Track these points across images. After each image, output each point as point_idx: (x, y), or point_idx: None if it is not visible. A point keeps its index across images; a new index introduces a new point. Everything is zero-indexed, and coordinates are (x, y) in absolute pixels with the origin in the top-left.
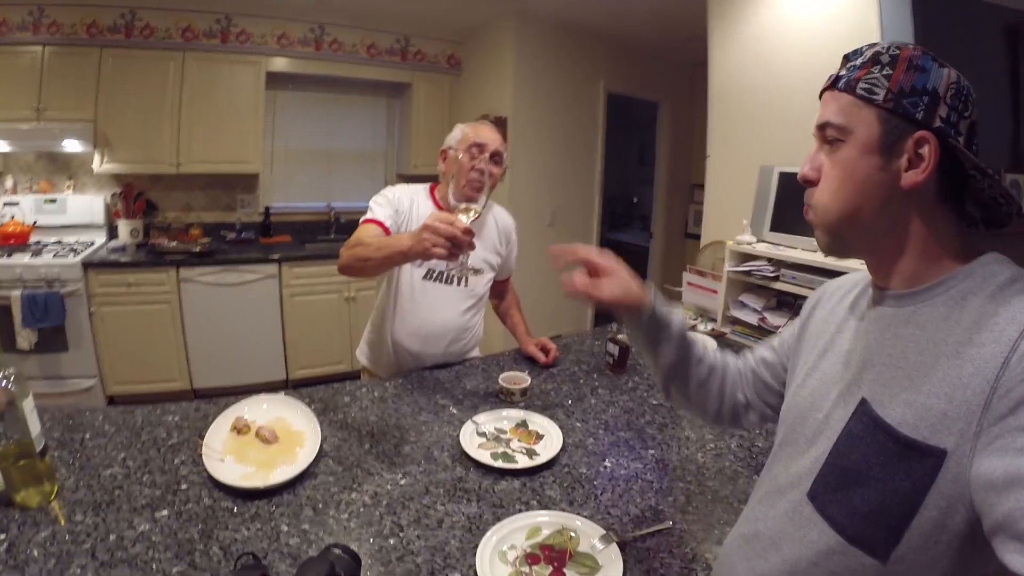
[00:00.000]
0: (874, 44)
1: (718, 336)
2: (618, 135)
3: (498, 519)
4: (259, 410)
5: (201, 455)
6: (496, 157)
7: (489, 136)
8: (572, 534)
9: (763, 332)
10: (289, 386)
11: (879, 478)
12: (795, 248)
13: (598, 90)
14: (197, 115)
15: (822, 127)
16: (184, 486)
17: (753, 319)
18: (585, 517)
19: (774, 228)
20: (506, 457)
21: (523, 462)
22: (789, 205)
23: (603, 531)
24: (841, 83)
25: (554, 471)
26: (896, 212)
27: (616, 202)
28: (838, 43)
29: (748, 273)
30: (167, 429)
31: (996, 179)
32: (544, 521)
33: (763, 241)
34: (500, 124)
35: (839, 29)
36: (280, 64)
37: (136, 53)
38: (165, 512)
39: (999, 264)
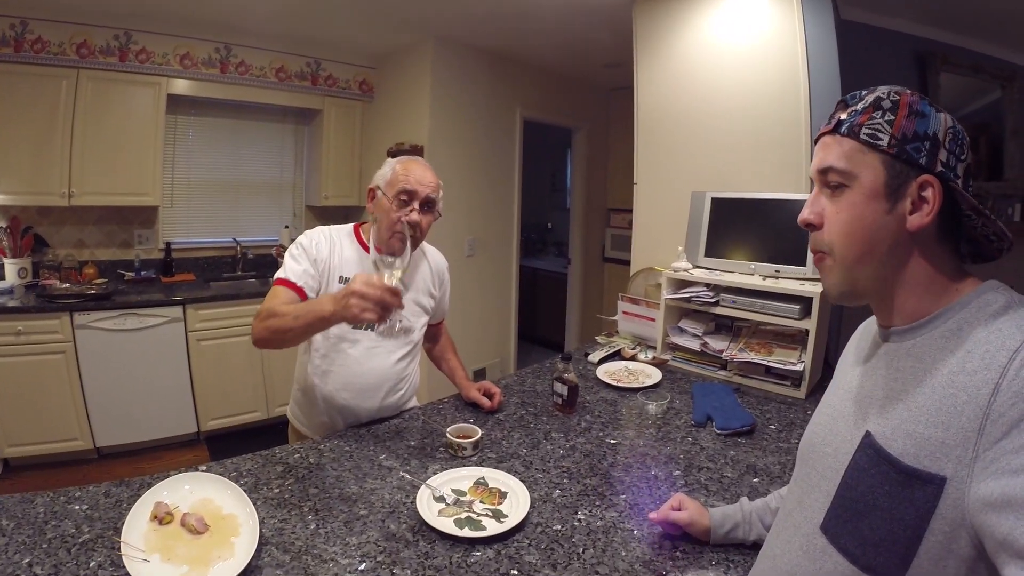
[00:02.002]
0: (874, 89)
1: (660, 364)
2: (530, 161)
3: None
4: (181, 492)
5: (121, 555)
6: (428, 205)
7: (421, 181)
8: None
9: (705, 357)
10: (201, 439)
11: (885, 507)
12: (731, 272)
13: (515, 117)
14: (91, 141)
15: (824, 171)
16: None
17: (694, 344)
18: None
19: (708, 253)
20: (472, 523)
21: (492, 527)
22: (723, 230)
23: None
24: (843, 128)
25: (527, 532)
26: (901, 253)
27: (530, 229)
28: (765, 70)
29: (687, 300)
30: (75, 522)
31: (992, 218)
32: None
33: (699, 266)
34: (417, 152)
35: (766, 56)
36: (182, 86)
37: (25, 69)
38: None
39: (995, 292)
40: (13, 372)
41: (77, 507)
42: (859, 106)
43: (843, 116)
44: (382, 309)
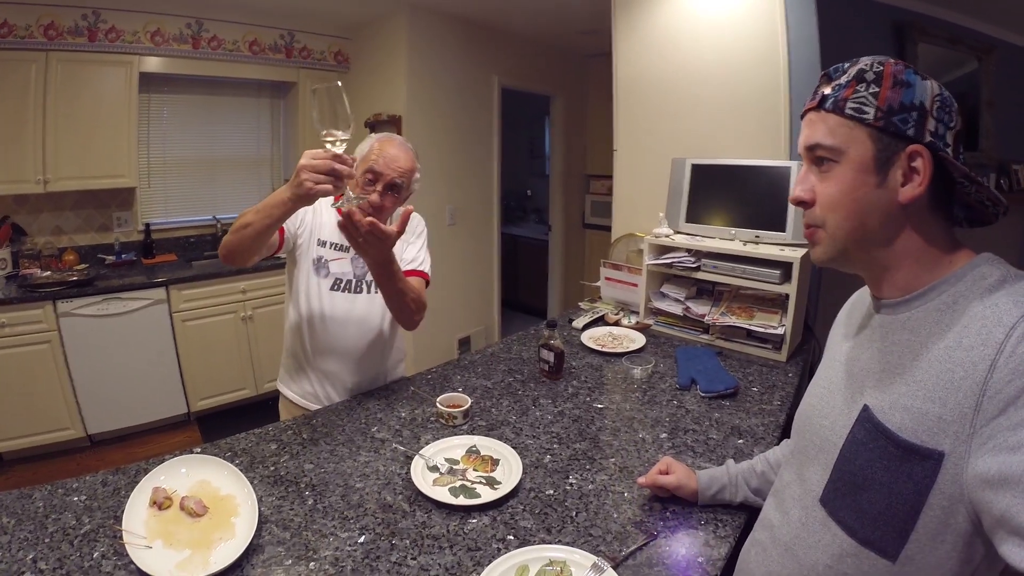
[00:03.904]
0: (856, 61)
1: (643, 328)
2: (508, 129)
3: (478, 564)
4: (177, 476)
5: (124, 544)
6: (393, 189)
7: (390, 164)
8: (561, 567)
9: (688, 321)
10: (192, 419)
11: (883, 481)
12: (712, 238)
13: (492, 85)
14: (64, 124)
15: (811, 148)
16: None
17: (677, 309)
18: (567, 544)
19: (689, 219)
20: (466, 491)
21: (486, 494)
22: (703, 197)
23: (591, 556)
24: (828, 103)
25: (521, 498)
26: (894, 225)
27: (510, 196)
28: (744, 37)
29: (669, 265)
30: (75, 514)
31: (984, 184)
32: (530, 558)
33: (680, 232)
34: (394, 123)
35: (745, 23)
36: (154, 64)
37: None
38: None
39: (989, 265)
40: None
41: (75, 498)
42: (842, 79)
43: (827, 91)
44: (335, 179)
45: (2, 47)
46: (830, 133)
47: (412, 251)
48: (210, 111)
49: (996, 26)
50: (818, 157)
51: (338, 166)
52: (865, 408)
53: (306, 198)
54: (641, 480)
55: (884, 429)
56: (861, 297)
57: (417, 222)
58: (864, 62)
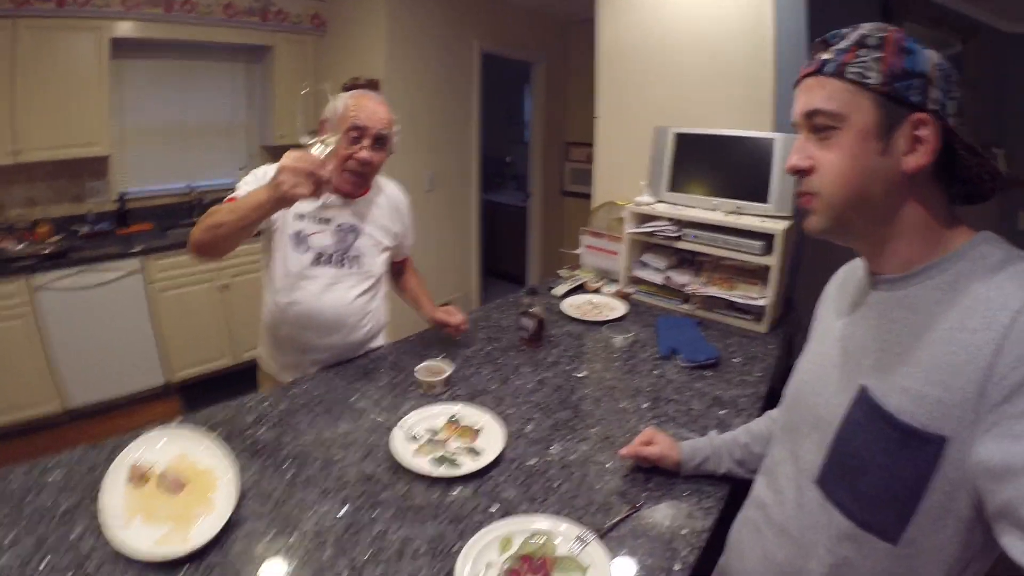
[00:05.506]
0: (857, 26)
1: (624, 296)
2: (487, 96)
3: (461, 535)
4: (155, 450)
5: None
6: (380, 142)
7: (372, 116)
8: (545, 538)
9: (668, 291)
10: (172, 389)
11: (883, 464)
12: (694, 207)
13: (473, 50)
14: (35, 94)
15: (810, 114)
16: (91, 566)
17: (658, 278)
18: (552, 515)
19: (671, 188)
20: (448, 462)
21: (468, 465)
22: (686, 166)
23: (575, 527)
24: (828, 68)
25: (503, 468)
26: (897, 197)
27: (490, 163)
28: (731, 6)
29: (651, 234)
30: (52, 493)
31: (986, 157)
32: (513, 530)
33: (662, 201)
34: (373, 87)
35: None
36: (126, 29)
37: None
38: None
39: (990, 245)
40: None
41: (51, 478)
42: (843, 44)
43: (826, 56)
44: (314, 183)
45: None
46: (830, 98)
47: (411, 236)
48: (184, 77)
49: (980, 8)
50: (817, 124)
51: (320, 171)
52: (863, 389)
53: (284, 200)
54: (623, 451)
55: (883, 411)
56: (853, 271)
57: (404, 204)
58: (866, 27)
